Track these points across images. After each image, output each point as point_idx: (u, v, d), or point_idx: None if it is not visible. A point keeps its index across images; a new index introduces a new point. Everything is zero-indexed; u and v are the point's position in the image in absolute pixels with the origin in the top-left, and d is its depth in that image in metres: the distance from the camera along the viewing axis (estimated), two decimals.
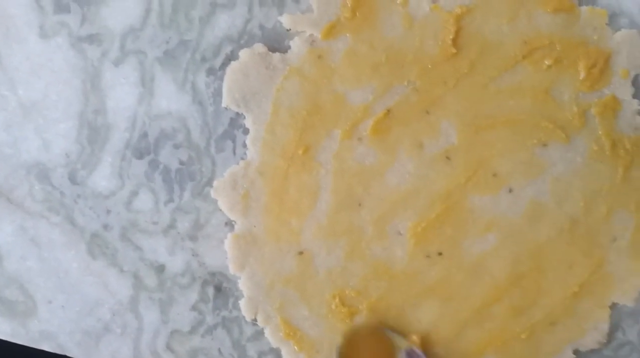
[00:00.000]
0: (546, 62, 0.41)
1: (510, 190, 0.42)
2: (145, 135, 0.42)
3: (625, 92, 0.42)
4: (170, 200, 0.42)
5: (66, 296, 0.42)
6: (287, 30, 0.41)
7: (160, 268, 0.42)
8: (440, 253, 0.42)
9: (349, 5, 0.41)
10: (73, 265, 0.42)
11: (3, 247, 0.42)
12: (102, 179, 0.42)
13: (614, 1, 0.42)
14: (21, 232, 0.42)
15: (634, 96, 0.42)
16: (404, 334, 0.42)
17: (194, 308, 0.43)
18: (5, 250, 0.42)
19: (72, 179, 0.42)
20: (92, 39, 0.41)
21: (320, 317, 0.42)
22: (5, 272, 0.42)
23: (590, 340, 0.43)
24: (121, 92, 0.42)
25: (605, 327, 0.42)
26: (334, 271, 0.42)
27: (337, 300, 0.42)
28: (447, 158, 0.42)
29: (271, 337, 0.42)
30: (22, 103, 0.41)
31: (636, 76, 0.42)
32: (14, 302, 0.42)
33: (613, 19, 0.42)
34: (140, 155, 0.42)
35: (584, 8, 0.42)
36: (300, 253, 0.42)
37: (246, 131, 0.42)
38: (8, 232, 0.42)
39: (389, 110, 0.42)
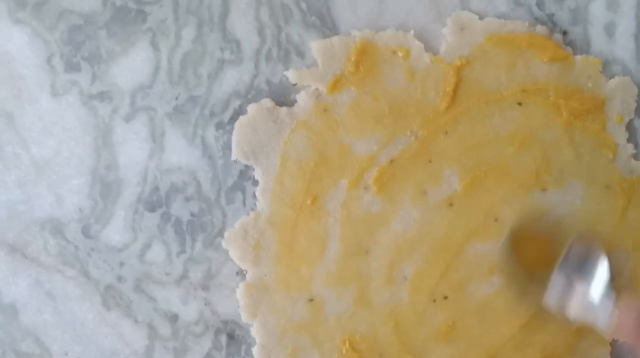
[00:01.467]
0: (542, 110, 0.43)
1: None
2: (156, 189, 0.43)
3: (620, 136, 0.44)
4: (183, 251, 0.43)
5: (82, 347, 0.43)
6: (293, 84, 0.43)
7: (174, 318, 0.43)
8: (445, 297, 0.43)
9: (353, 59, 0.42)
10: (88, 317, 0.43)
11: (19, 301, 0.43)
12: (115, 232, 0.43)
13: (607, 50, 0.44)
14: (36, 286, 0.43)
15: (629, 140, 0.44)
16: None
17: (207, 356, 0.44)
18: (21, 304, 0.43)
19: (86, 233, 0.43)
20: (102, 96, 0.42)
21: None
22: (22, 326, 0.43)
23: None
24: (132, 148, 0.43)
25: None
26: (344, 317, 0.43)
27: (347, 345, 0.43)
28: (450, 204, 0.43)
29: None
30: (35, 161, 0.42)
31: (630, 121, 0.44)
32: (31, 354, 0.43)
33: (606, 67, 0.44)
34: (152, 209, 0.43)
35: (578, 57, 0.44)
36: (311, 300, 0.43)
37: (255, 183, 0.43)
38: (23, 287, 0.43)
39: (392, 160, 0.43)
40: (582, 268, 0.39)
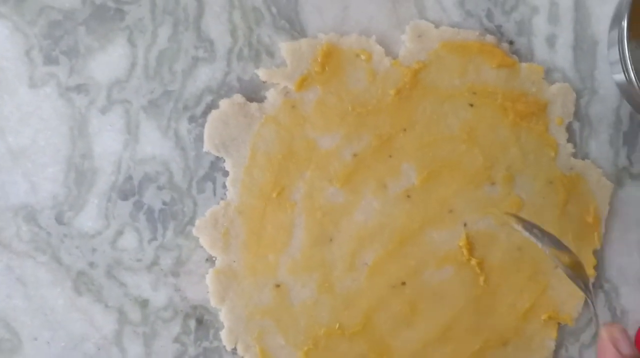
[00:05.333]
0: (491, 111, 0.47)
1: (465, 225, 0.47)
2: (130, 178, 0.45)
3: (560, 136, 0.48)
4: (154, 238, 0.45)
5: (52, 333, 0.44)
6: (263, 82, 0.45)
7: (144, 303, 0.45)
8: (403, 283, 0.46)
9: (319, 60, 0.45)
10: (59, 302, 0.44)
11: None
12: (88, 219, 0.44)
13: (548, 58, 0.48)
14: (7, 272, 0.44)
15: (568, 140, 0.48)
16: None
17: (176, 340, 0.45)
18: None
19: (59, 220, 0.44)
20: (79, 89, 0.44)
21: (296, 347, 0.45)
22: None
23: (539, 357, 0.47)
24: (107, 138, 0.44)
25: (552, 344, 0.47)
26: (308, 303, 0.45)
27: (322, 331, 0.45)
28: (408, 196, 0.46)
29: None
30: (11, 149, 0.44)
31: (569, 123, 0.48)
32: (0, 339, 0.44)
33: (548, 74, 0.48)
34: (125, 197, 0.45)
35: (523, 64, 0.48)
36: (277, 286, 0.45)
37: (226, 174, 0.45)
38: None
39: (355, 154, 0.46)
40: None
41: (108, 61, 0.44)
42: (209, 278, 0.45)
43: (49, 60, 0.44)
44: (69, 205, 0.44)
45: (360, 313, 0.46)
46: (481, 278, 0.46)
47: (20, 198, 0.44)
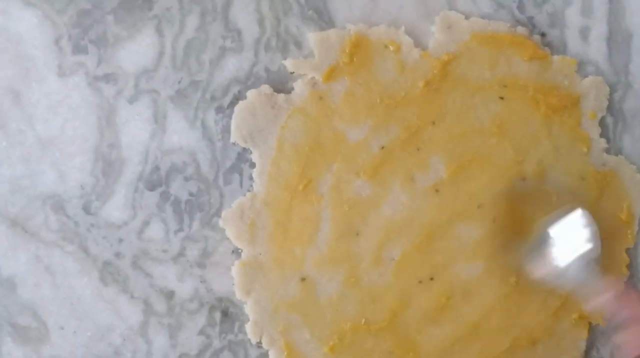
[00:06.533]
0: (522, 104, 0.46)
1: (494, 220, 0.46)
2: (157, 168, 0.45)
3: (593, 131, 0.47)
4: (180, 229, 0.45)
5: (78, 322, 0.44)
6: (291, 73, 0.45)
7: (169, 295, 0.45)
8: (431, 279, 0.45)
9: (347, 51, 0.45)
10: (86, 292, 0.44)
11: (18, 275, 0.44)
12: (115, 209, 0.44)
13: (581, 51, 0.47)
14: (35, 261, 0.44)
15: (601, 135, 0.47)
16: None
17: (201, 332, 0.45)
18: (20, 278, 0.44)
19: (87, 210, 0.44)
20: (107, 78, 0.44)
21: (321, 341, 0.45)
22: (19, 300, 0.44)
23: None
24: (135, 128, 0.44)
25: (582, 345, 0.46)
26: (334, 297, 0.45)
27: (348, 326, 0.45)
28: (437, 190, 0.46)
29: None
30: (40, 138, 0.44)
31: (602, 118, 0.47)
32: (27, 328, 0.44)
33: (581, 67, 0.47)
34: (152, 187, 0.45)
35: (555, 57, 0.47)
36: (303, 279, 0.45)
37: (252, 165, 0.45)
38: (23, 261, 0.44)
39: (383, 147, 0.45)
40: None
41: (136, 50, 0.44)
42: (235, 271, 0.44)
43: (78, 49, 0.44)
44: (96, 194, 0.44)
45: (387, 309, 0.45)
46: (512, 277, 0.45)
47: (48, 187, 0.44)
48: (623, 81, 0.48)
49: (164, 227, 0.45)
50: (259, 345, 0.45)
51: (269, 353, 0.45)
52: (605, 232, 0.47)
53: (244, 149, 0.45)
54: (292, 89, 0.45)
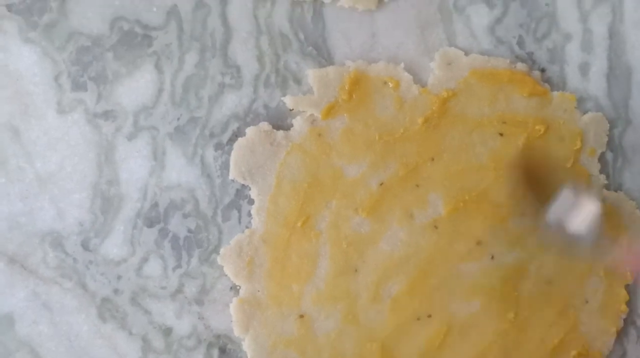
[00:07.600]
0: (521, 140, 0.46)
1: (493, 257, 0.46)
2: (155, 205, 0.45)
3: (593, 168, 0.47)
4: (179, 266, 0.45)
5: None
6: (290, 109, 0.45)
7: (167, 331, 0.45)
8: (429, 316, 0.45)
9: (347, 88, 0.45)
10: (84, 329, 0.44)
11: (15, 312, 0.44)
12: (114, 246, 0.44)
13: (581, 87, 0.47)
14: (33, 297, 0.44)
15: (601, 171, 0.47)
16: None
17: None
18: (17, 315, 0.44)
19: (85, 246, 0.44)
20: (107, 115, 0.44)
21: None
22: (17, 336, 0.44)
23: None
24: (134, 165, 0.44)
25: None
26: (332, 334, 0.45)
27: None
28: (435, 227, 0.46)
29: None
30: (39, 175, 0.44)
31: (602, 154, 0.47)
32: None
33: (581, 103, 0.47)
34: (150, 224, 0.45)
35: (555, 93, 0.47)
36: (301, 316, 0.45)
37: (251, 202, 0.45)
38: (21, 297, 0.44)
39: (382, 183, 0.45)
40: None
41: (135, 87, 0.44)
42: (233, 307, 0.44)
43: (77, 86, 0.44)
44: (95, 231, 0.44)
45: (384, 346, 0.45)
46: (511, 314, 0.45)
47: (47, 224, 0.44)
48: (623, 116, 0.48)
49: (162, 264, 0.45)
50: None
51: None
52: (604, 269, 0.47)
53: (243, 185, 0.45)
54: (291, 125, 0.45)
